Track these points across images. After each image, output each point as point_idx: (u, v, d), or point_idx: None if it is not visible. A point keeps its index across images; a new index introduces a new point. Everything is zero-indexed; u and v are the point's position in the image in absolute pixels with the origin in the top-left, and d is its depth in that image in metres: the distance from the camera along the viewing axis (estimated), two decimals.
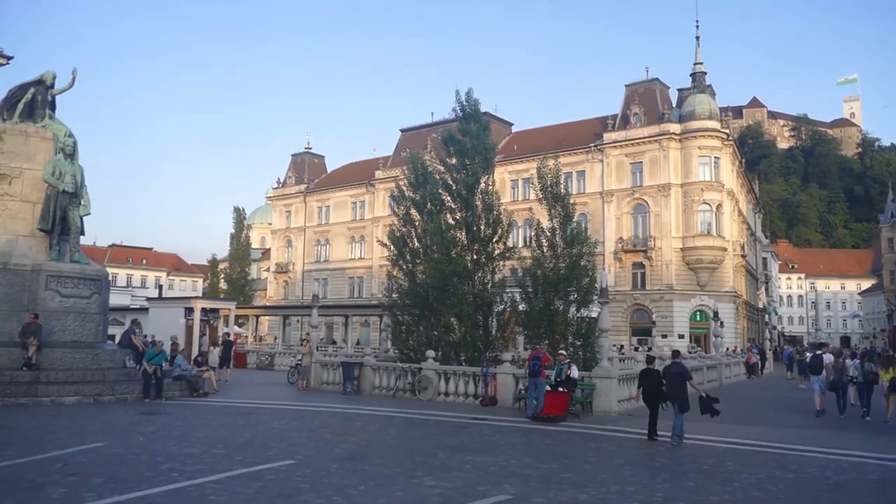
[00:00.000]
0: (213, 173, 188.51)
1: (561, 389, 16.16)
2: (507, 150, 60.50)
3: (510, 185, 58.06)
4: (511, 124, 67.20)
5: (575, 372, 16.65)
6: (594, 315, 23.33)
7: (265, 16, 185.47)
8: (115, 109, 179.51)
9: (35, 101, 20.40)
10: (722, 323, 39.35)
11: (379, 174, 66.72)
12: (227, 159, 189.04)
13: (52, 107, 20.89)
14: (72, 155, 19.90)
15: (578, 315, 22.37)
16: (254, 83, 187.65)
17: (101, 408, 16.04)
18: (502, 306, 24.29)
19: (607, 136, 54.64)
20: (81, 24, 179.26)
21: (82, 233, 20.22)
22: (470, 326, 22.97)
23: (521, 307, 23.46)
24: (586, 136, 56.79)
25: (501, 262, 25.06)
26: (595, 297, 22.48)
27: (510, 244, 26.07)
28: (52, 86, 20.84)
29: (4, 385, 16.39)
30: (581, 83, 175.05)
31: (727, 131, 53.99)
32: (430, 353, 21.22)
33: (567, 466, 10.49)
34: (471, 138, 24.87)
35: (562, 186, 23.71)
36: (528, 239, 54.31)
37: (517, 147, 59.99)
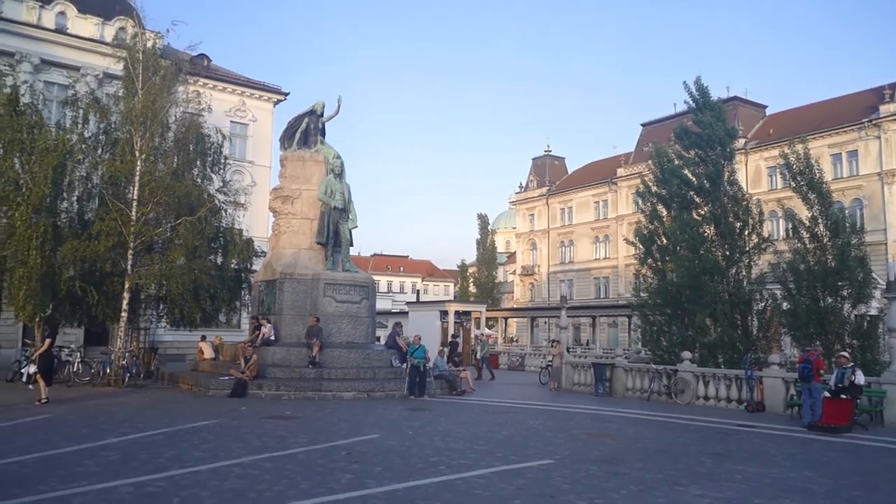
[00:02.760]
0: (459, 183, 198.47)
1: (843, 396, 14.46)
2: (761, 135, 55.76)
3: (766, 172, 53.41)
4: (764, 107, 61.75)
5: (860, 377, 14.78)
6: (873, 312, 20.73)
7: (497, 23, 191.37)
8: (371, 128, 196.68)
9: (308, 129, 23.11)
10: None
11: (621, 171, 65.24)
12: (471, 168, 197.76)
13: (323, 132, 23.49)
14: (340, 174, 22.16)
15: (855, 312, 19.99)
16: (493, 91, 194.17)
17: (373, 403, 17.55)
18: (762, 304, 22.49)
19: (884, 109, 47.83)
20: (337, 48, 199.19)
21: (351, 244, 22.45)
22: (726, 326, 21.59)
23: (784, 305, 21.58)
24: (857, 111, 50.26)
25: (757, 256, 23.26)
26: (875, 291, 19.97)
27: (768, 236, 24.11)
28: (321, 114, 23.46)
29: (295, 380, 18.71)
30: (847, 53, 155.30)
31: None
32: (686, 354, 20.24)
33: (857, 483, 9.33)
34: (704, 128, 23.48)
35: (815, 170, 21.46)
36: (789, 230, 49.42)
37: (772, 131, 55.00)
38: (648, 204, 25.26)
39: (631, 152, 67.20)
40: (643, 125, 67.92)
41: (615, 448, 11.65)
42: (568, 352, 26.46)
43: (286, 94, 40.65)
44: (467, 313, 40.41)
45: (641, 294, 25.78)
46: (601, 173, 69.93)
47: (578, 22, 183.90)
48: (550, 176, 76.78)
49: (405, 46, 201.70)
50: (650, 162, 27.83)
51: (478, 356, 31.19)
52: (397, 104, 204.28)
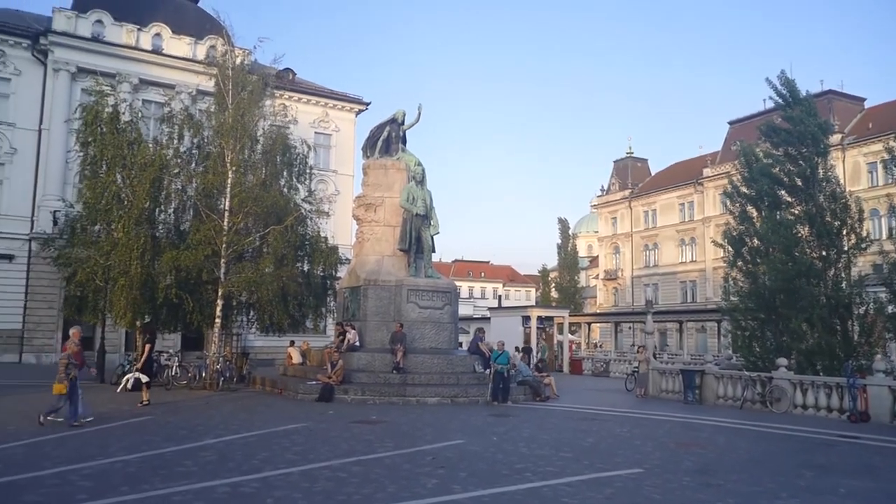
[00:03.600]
0: (539, 187, 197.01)
1: None
2: (860, 129, 52.93)
3: (866, 168, 50.64)
4: (863, 100, 58.55)
5: None
6: None
7: (578, 24, 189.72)
8: (451, 134, 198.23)
9: (390, 137, 23.49)
10: None
11: (707, 171, 63.21)
12: (551, 172, 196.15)
13: (404, 140, 23.82)
14: (421, 181, 22.38)
15: None
16: (573, 93, 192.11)
17: (457, 408, 17.60)
18: (864, 308, 21.30)
19: None
20: (418, 54, 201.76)
21: (433, 250, 22.60)
22: (824, 332, 20.55)
23: (889, 308, 20.37)
24: None
25: (856, 257, 22.06)
26: None
27: (867, 235, 22.82)
28: (402, 122, 23.80)
29: (380, 386, 18.97)
30: None
31: None
32: (782, 360, 19.37)
33: None
34: (794, 124, 22.44)
35: None
36: (893, 229, 46.63)
37: (872, 125, 52.09)
38: (737, 204, 24.42)
39: (718, 151, 65.09)
40: (730, 123, 65.74)
41: (707, 458, 11.26)
42: (655, 358, 25.80)
43: (367, 104, 41.49)
44: (550, 318, 40.00)
45: (732, 298, 24.91)
46: (686, 174, 67.99)
47: (662, 19, 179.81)
48: (633, 178, 75.24)
49: (486, 50, 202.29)
50: (737, 162, 26.92)
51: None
52: (477, 108, 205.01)
